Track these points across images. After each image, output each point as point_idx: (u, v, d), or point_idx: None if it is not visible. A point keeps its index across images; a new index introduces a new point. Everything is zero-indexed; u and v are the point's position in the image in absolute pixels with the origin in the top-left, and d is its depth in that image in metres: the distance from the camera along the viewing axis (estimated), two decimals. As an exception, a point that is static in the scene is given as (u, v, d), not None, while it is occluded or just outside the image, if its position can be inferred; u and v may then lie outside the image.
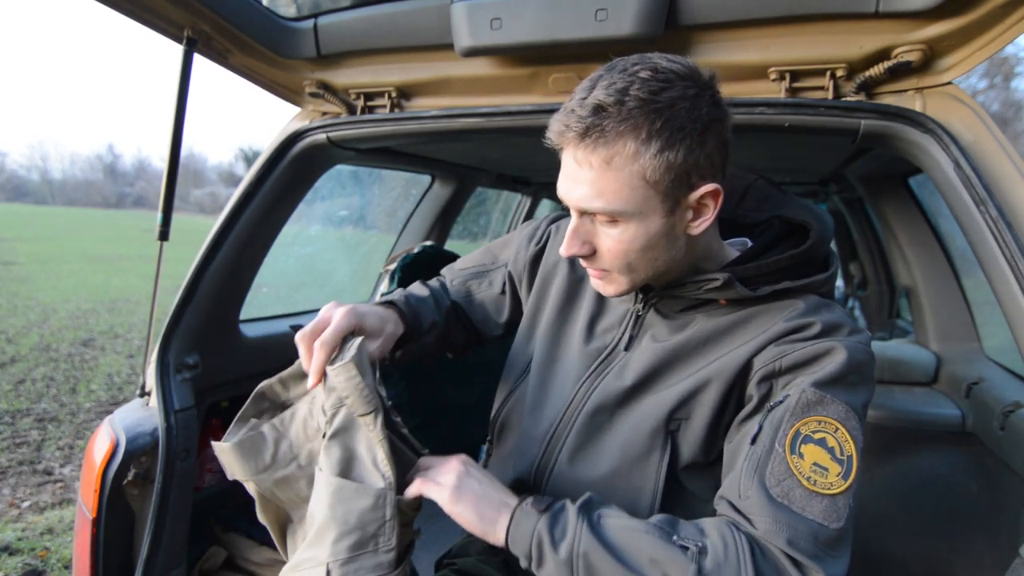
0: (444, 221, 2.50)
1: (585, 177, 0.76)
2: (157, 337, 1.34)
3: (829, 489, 0.72)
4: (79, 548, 1.24)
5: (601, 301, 0.98)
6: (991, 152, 0.93)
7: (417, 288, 1.11)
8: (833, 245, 0.92)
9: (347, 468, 0.79)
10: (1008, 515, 1.32)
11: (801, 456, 0.73)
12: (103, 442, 1.25)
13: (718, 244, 0.88)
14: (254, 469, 0.84)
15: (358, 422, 0.80)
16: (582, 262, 0.86)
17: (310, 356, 0.83)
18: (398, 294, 1.06)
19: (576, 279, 1.01)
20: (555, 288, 1.02)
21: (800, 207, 0.90)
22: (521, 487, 0.93)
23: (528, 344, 1.03)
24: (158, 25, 1.12)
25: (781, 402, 0.78)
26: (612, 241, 0.79)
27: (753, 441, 0.78)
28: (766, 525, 0.72)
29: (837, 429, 0.74)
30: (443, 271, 1.20)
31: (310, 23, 1.27)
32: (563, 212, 1.12)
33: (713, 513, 0.78)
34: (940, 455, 1.68)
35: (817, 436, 0.74)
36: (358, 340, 0.83)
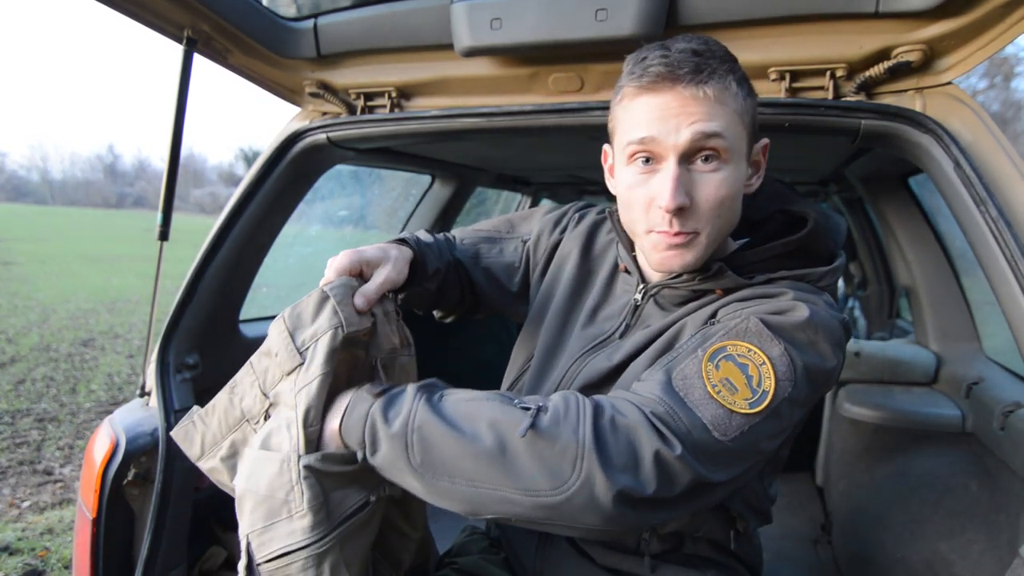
0: (444, 221, 2.50)
1: (698, 110, 0.74)
2: (157, 337, 1.34)
3: (731, 405, 0.68)
4: (79, 548, 1.24)
5: (607, 291, 0.98)
6: (991, 152, 0.93)
7: (422, 233, 1.07)
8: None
9: (268, 440, 0.78)
10: (1008, 515, 1.31)
11: (717, 368, 0.70)
12: (103, 442, 1.25)
13: (729, 240, 0.89)
14: (193, 456, 0.86)
15: (285, 386, 0.79)
16: (673, 223, 0.77)
17: None
18: (404, 233, 1.02)
19: (586, 271, 1.01)
20: (566, 277, 1.02)
21: (805, 204, 0.90)
22: None
23: (536, 333, 1.03)
24: (158, 25, 1.12)
25: (720, 322, 0.77)
26: (711, 188, 0.77)
27: (680, 347, 0.77)
28: (648, 396, 0.70)
29: (764, 363, 0.70)
30: (454, 231, 1.17)
31: (310, 23, 1.26)
32: (589, 203, 1.13)
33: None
34: (940, 455, 1.68)
35: (741, 360, 0.71)
36: (334, 289, 0.81)
